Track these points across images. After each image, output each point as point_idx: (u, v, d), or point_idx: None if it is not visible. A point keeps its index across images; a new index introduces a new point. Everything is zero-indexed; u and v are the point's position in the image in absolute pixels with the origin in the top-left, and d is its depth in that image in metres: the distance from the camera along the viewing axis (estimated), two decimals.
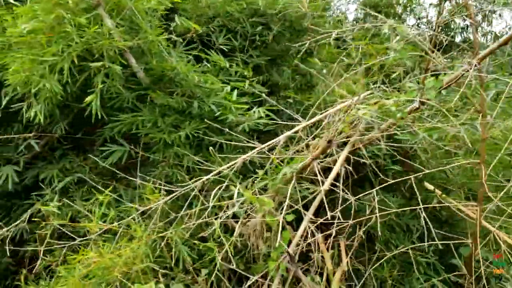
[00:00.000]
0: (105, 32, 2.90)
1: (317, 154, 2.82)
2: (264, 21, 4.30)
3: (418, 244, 3.30)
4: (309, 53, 4.34)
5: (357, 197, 3.02)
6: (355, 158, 3.18)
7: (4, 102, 3.63)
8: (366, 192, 2.81)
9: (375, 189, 2.75)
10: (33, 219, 3.84)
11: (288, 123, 3.31)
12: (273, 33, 4.20)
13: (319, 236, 2.93)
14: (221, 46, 4.11)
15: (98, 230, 2.70)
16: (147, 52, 3.32)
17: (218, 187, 3.09)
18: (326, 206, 2.89)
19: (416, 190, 2.95)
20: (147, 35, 3.18)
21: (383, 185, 3.04)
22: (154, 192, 3.07)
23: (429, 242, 3.36)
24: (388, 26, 2.63)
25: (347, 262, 3.31)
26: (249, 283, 2.93)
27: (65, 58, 2.84)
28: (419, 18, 6.16)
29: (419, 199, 3.03)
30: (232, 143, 3.32)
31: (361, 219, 2.93)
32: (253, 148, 3.31)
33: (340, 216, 2.91)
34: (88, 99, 2.89)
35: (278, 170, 2.86)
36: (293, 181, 2.77)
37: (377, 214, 2.73)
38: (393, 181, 3.08)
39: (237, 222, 3.01)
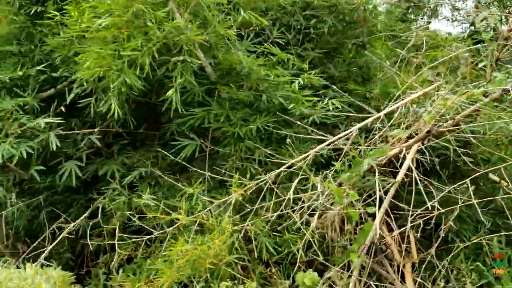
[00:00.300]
0: (182, 26, 2.90)
1: (410, 143, 2.82)
2: (317, 14, 4.28)
3: (489, 236, 3.30)
4: (362, 46, 4.33)
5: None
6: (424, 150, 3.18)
7: (69, 98, 3.69)
8: (460, 183, 2.80)
9: (466, 180, 2.74)
10: (93, 213, 3.93)
11: (358, 115, 3.30)
12: (327, 26, 4.18)
13: (396, 230, 2.92)
14: (276, 40, 4.10)
15: (185, 222, 2.71)
16: (214, 46, 3.32)
17: (293, 179, 3.11)
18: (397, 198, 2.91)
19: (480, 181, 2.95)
20: (217, 29, 3.18)
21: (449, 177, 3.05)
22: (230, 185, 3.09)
23: (498, 234, 3.38)
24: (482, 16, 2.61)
25: (417, 253, 3.33)
26: (328, 274, 2.94)
27: (145, 53, 2.84)
28: (457, 9, 6.11)
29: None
30: (300, 135, 3.32)
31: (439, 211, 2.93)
32: (322, 140, 3.32)
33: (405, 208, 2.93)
34: (169, 93, 2.91)
35: (358, 162, 2.86)
36: (376, 173, 2.76)
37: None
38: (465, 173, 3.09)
39: (311, 215, 3.03)
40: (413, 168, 3.06)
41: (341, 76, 4.08)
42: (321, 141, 3.34)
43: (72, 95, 3.59)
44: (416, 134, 3.18)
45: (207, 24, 3.24)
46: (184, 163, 3.34)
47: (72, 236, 3.60)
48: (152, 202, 3.05)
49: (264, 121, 3.26)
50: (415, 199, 2.86)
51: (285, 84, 3.43)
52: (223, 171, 3.19)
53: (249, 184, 3.08)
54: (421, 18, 6.95)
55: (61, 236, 3.43)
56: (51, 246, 3.34)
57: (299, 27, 4.25)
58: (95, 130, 3.76)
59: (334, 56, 4.27)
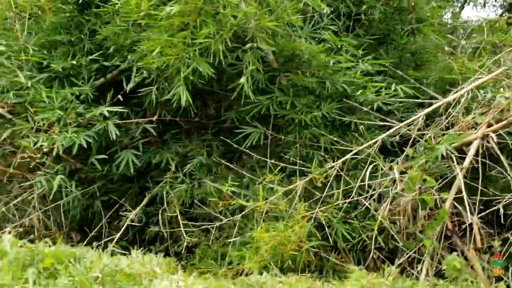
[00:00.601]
0: (253, 13, 2.88)
1: (495, 128, 2.81)
2: (367, 0, 4.24)
3: None
4: (412, 32, 4.29)
5: None
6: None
7: (129, 87, 3.68)
8: None
9: None
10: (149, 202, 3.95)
11: (425, 101, 3.29)
12: (377, 12, 4.14)
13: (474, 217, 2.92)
14: (327, 26, 4.07)
15: (262, 209, 2.72)
16: (276, 34, 3.30)
17: (359, 166, 3.11)
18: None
19: None
20: (281, 16, 3.15)
21: None
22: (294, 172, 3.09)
23: None
24: None
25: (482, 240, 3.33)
26: (401, 260, 2.95)
27: (217, 40, 2.83)
28: None
29: None
30: (364, 122, 3.31)
31: None
32: (385, 127, 3.32)
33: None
34: (241, 80, 2.90)
35: (433, 148, 2.85)
36: (454, 159, 2.76)
37: None
38: None
39: (381, 202, 3.03)
40: (500, 155, 3.02)
41: (394, 63, 4.04)
42: (384, 128, 3.33)
43: (131, 84, 3.58)
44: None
45: (271, 11, 3.22)
46: (247, 151, 3.35)
47: (137, 224, 3.62)
48: (236, 189, 3.03)
49: (329, 107, 3.24)
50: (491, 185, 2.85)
51: (346, 70, 3.41)
52: (290, 157, 3.18)
53: (315, 171, 3.08)
54: (454, 4, 6.87)
55: (126, 224, 3.45)
56: (118, 234, 3.36)
57: (349, 13, 4.21)
58: (153, 118, 3.76)
59: (385, 42, 4.24)
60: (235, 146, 3.41)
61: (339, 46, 3.83)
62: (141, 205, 3.74)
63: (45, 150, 3.31)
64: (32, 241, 3.71)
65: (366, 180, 2.86)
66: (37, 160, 3.34)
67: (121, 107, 3.60)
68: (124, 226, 3.44)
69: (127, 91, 3.68)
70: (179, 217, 3.48)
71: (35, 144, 3.36)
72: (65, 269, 1.78)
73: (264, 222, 3.01)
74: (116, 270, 1.81)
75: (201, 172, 3.67)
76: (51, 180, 3.49)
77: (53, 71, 3.93)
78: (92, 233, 3.79)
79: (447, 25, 4.50)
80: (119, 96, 3.73)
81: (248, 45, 2.89)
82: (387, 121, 3.22)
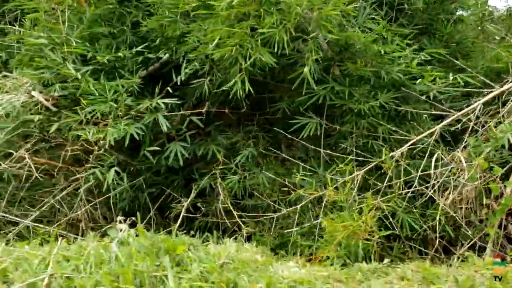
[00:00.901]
0: (315, 2, 2.86)
1: None
2: None
3: None
4: (455, 22, 4.26)
5: None
6: None
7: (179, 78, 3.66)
8: None
9: None
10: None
11: (481, 90, 3.27)
12: (421, 2, 4.11)
13: None
14: (372, 16, 4.04)
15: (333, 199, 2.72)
16: (329, 22, 3.28)
17: (416, 156, 3.11)
18: None
19: None
20: (337, 4, 3.13)
21: None
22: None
23: None
24: None
25: None
26: (464, 249, 2.95)
27: (281, 30, 2.81)
28: None
29: None
30: (420, 111, 3.30)
31: None
32: (440, 116, 3.31)
33: None
34: (305, 70, 2.88)
35: (496, 137, 2.84)
36: None
37: None
38: None
39: (443, 191, 3.03)
40: None
41: (438, 52, 4.01)
42: (434, 117, 3.33)
43: (183, 76, 3.57)
44: None
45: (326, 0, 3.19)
46: (302, 142, 3.33)
47: (190, 215, 3.63)
48: (309, 179, 3.02)
49: (386, 97, 3.23)
50: None
51: (399, 60, 3.39)
52: (347, 147, 3.18)
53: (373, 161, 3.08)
54: None
55: (181, 216, 3.45)
56: (177, 225, 3.36)
57: (392, 2, 4.18)
58: (203, 110, 3.75)
59: (428, 32, 4.21)
60: (289, 136, 3.39)
61: (385, 36, 3.81)
62: (191, 196, 3.74)
63: (101, 142, 3.30)
64: (81, 234, 3.78)
65: (432, 169, 2.85)
66: (95, 152, 3.32)
67: (173, 99, 3.58)
68: (181, 217, 3.44)
69: (176, 82, 3.67)
70: (231, 208, 3.49)
71: (88, 136, 3.36)
72: (189, 257, 1.79)
73: (324, 212, 3.03)
74: (233, 258, 1.82)
75: (250, 163, 3.66)
76: (105, 173, 3.49)
77: (98, 64, 3.92)
78: (142, 224, 3.78)
79: (485, 14, 4.45)
80: (168, 88, 3.72)
81: (312, 34, 2.87)
82: (445, 110, 3.21)
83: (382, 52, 3.41)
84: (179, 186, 4.10)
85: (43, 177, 3.92)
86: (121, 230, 1.98)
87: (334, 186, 3.06)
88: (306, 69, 2.88)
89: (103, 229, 3.91)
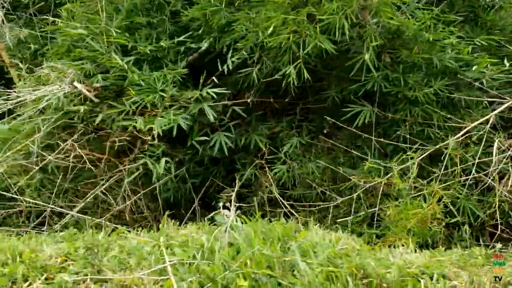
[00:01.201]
0: None
1: None
2: None
3: None
4: (498, 9, 4.21)
5: None
6: None
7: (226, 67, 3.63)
8: None
9: None
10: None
11: None
12: None
13: None
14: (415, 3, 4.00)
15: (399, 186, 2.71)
16: (380, 9, 3.24)
17: (470, 143, 3.09)
18: None
19: None
20: None
21: None
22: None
23: None
24: None
25: None
26: None
27: (341, 16, 2.78)
28: None
29: None
30: (473, 98, 3.27)
31: None
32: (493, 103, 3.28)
33: None
34: (366, 56, 2.86)
35: None
36: None
37: None
38: None
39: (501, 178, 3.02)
40: None
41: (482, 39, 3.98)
42: (490, 104, 3.31)
43: (230, 65, 3.54)
44: None
45: None
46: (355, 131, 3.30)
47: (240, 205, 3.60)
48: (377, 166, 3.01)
49: (440, 84, 3.21)
50: None
51: (450, 47, 3.36)
52: (401, 134, 3.16)
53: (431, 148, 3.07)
54: None
55: (232, 205, 3.43)
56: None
57: None
58: (248, 100, 3.73)
59: (470, 19, 4.17)
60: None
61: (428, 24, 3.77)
62: (237, 185, 3.72)
63: (154, 132, 3.28)
64: (126, 225, 3.76)
65: (494, 155, 2.83)
66: (149, 143, 3.30)
67: (222, 88, 3.56)
68: (233, 207, 3.41)
69: (223, 72, 3.63)
70: (279, 197, 3.48)
71: (134, 127, 3.34)
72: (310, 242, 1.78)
73: (380, 200, 3.02)
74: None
75: (295, 153, 3.65)
76: (155, 163, 3.47)
77: (139, 54, 3.89)
78: (188, 214, 3.79)
79: None
80: (214, 78, 3.69)
81: (374, 20, 2.84)
82: (499, 97, 3.19)
83: (431, 39, 3.37)
84: (220, 177, 4.09)
85: (87, 169, 3.91)
86: (227, 217, 1.97)
87: (389, 175, 3.04)
88: (366, 56, 2.85)
89: (151, 221, 3.93)
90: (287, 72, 3.06)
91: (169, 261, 1.69)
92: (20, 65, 5.02)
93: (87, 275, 1.77)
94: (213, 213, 2.17)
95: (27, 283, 1.75)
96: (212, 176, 4.09)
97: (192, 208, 3.91)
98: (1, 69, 5.74)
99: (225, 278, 1.64)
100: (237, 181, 3.82)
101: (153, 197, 4.03)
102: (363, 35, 2.92)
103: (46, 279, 1.75)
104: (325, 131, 3.91)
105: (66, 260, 1.88)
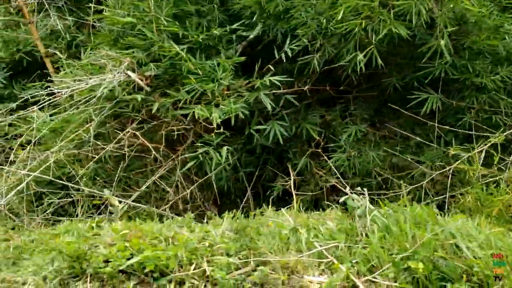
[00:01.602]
0: None
1: None
2: None
3: None
4: None
5: None
6: None
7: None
8: None
9: None
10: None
11: None
12: None
13: None
14: None
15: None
16: None
17: None
18: None
19: None
20: None
21: None
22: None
23: None
24: None
25: None
26: None
27: (417, 2, 2.74)
28: None
29: None
30: None
31: None
32: None
33: None
34: (441, 43, 2.82)
35: None
36: None
37: None
38: None
39: None
40: None
41: None
42: None
43: (289, 52, 3.51)
44: None
45: None
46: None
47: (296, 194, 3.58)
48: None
49: (508, 71, 3.17)
50: None
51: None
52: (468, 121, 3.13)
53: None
54: None
55: (293, 193, 3.41)
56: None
57: None
58: (305, 88, 3.69)
59: None
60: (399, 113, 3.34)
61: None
62: (292, 174, 3.69)
63: (216, 121, 3.25)
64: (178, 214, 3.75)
65: None
66: (215, 130, 3.28)
67: (283, 76, 3.53)
68: (294, 195, 3.40)
69: (285, 59, 3.59)
70: (339, 186, 3.45)
71: (204, 113, 3.31)
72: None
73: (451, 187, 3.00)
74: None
75: (351, 142, 3.62)
76: (214, 152, 3.45)
77: (190, 42, 3.85)
78: (242, 203, 3.78)
79: None
80: (270, 66, 3.66)
81: (447, 7, 2.79)
82: None
83: (494, 25, 3.33)
84: (272, 165, 4.08)
85: (138, 158, 3.91)
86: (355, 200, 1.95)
87: (458, 162, 3.02)
88: (442, 42, 2.81)
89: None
90: (354, 59, 3.02)
91: (322, 245, 1.67)
92: (60, 54, 5.00)
93: (247, 257, 1.76)
94: (344, 197, 2.14)
95: (192, 266, 1.74)
96: (263, 165, 4.07)
97: (246, 197, 3.89)
98: (36, 59, 5.69)
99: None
100: (290, 170, 3.79)
101: (203, 186, 4.01)
102: (436, 21, 2.88)
103: (208, 261, 1.74)
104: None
105: (213, 245, 1.86)
